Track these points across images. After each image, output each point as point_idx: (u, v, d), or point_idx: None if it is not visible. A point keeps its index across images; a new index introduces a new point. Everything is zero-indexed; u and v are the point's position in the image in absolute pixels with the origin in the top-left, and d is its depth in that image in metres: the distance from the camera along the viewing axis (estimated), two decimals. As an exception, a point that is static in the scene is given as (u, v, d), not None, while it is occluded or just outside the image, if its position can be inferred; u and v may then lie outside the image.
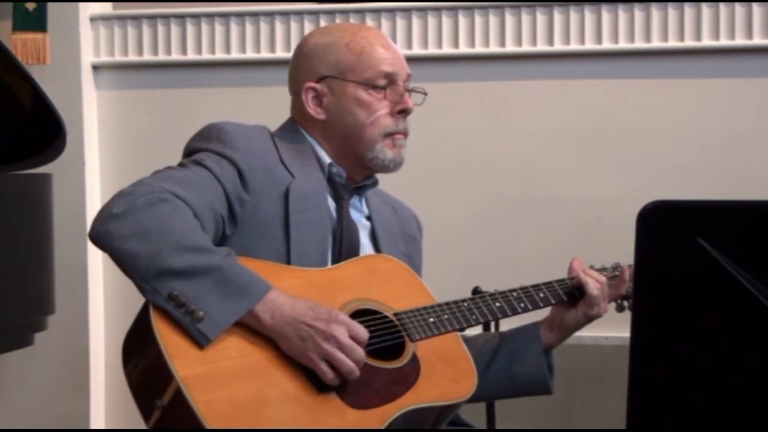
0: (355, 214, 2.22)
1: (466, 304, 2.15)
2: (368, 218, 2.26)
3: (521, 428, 3.33)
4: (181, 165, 2.09)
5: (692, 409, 1.49)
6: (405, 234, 2.31)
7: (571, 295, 2.24)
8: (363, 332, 1.96)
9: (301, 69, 2.23)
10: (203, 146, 2.11)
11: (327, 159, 2.20)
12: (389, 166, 2.20)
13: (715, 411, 1.48)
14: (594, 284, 2.22)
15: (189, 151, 2.14)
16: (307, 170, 2.16)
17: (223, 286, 1.90)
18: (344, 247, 2.15)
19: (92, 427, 3.68)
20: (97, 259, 3.69)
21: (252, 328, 1.93)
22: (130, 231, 1.91)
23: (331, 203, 2.17)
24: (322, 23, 3.58)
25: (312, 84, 2.19)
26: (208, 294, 1.89)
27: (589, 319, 2.24)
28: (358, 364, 1.93)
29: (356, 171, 2.22)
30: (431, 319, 2.09)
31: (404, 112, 2.20)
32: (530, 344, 2.25)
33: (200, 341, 1.87)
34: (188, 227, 1.94)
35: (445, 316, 2.11)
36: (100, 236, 1.94)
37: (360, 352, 1.93)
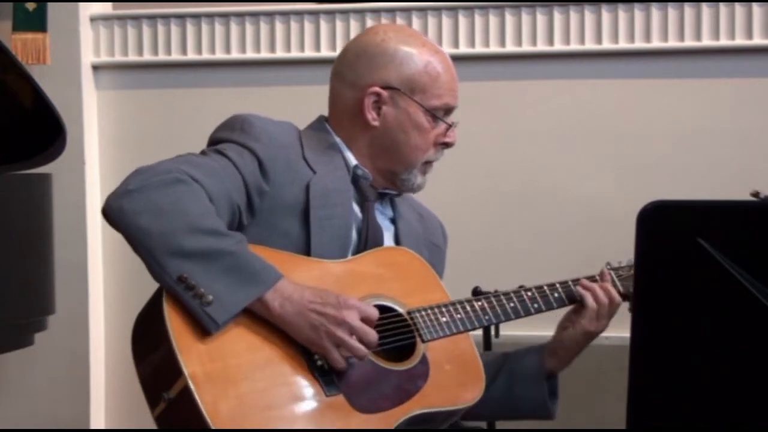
0: (378, 217, 2.20)
1: (480, 303, 2.13)
2: (392, 221, 2.25)
3: (521, 428, 3.32)
4: (202, 153, 2.09)
5: (692, 409, 1.49)
6: (429, 242, 2.29)
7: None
8: (373, 312, 1.96)
9: (372, 68, 2.16)
10: (226, 136, 2.10)
11: (353, 161, 2.17)
12: (415, 190, 2.22)
13: (715, 411, 1.48)
14: (592, 299, 2.17)
15: (212, 141, 2.13)
16: (331, 168, 2.14)
17: (234, 272, 1.89)
18: (369, 248, 2.13)
19: (92, 427, 3.67)
20: (97, 259, 3.68)
21: (261, 319, 1.92)
22: (143, 207, 1.89)
23: (355, 204, 2.16)
24: (322, 23, 3.58)
25: (378, 89, 2.15)
26: (218, 278, 1.88)
27: (588, 336, 2.18)
28: (370, 346, 1.93)
29: (380, 180, 2.20)
30: (444, 319, 2.08)
31: (446, 146, 2.21)
32: (533, 367, 2.21)
33: (209, 326, 1.86)
34: (203, 209, 1.93)
35: (458, 316, 2.09)
36: (113, 211, 1.91)
37: (373, 334, 1.94)
